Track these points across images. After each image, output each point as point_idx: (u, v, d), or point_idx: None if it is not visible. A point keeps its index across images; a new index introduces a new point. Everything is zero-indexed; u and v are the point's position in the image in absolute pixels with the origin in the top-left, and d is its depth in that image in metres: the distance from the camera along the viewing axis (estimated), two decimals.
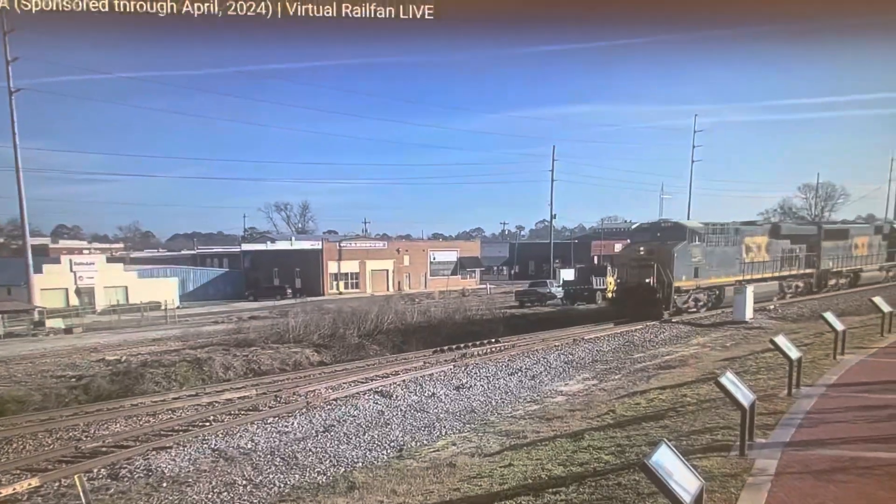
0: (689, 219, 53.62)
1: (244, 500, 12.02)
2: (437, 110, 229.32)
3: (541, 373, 22.68)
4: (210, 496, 12.27)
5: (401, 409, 18.47)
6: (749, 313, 31.09)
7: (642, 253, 34.12)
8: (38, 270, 53.23)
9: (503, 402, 18.83)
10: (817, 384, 12.89)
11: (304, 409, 18.44)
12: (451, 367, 23.72)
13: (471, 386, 20.99)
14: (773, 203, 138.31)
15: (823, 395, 11.92)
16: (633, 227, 39.45)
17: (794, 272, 41.26)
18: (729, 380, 8.72)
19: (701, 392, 13.94)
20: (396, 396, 19.73)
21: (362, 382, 21.69)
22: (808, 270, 42.46)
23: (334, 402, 19.19)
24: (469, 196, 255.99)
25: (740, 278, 36.05)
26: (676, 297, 33.38)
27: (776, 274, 39.34)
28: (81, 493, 11.92)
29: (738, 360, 18.86)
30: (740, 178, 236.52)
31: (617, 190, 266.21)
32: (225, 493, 12.37)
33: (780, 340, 12.24)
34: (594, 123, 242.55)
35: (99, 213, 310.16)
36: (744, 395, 8.67)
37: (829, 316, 16.44)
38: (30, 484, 12.62)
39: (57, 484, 13.12)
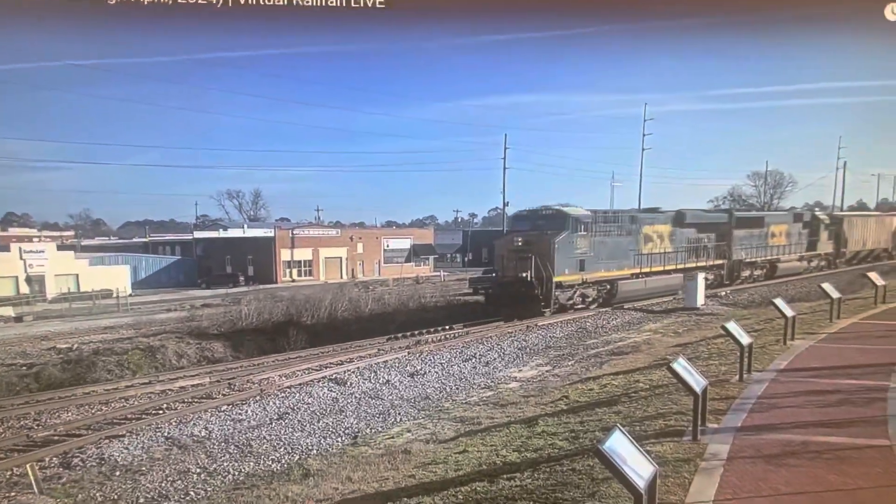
0: (639, 206, 53.22)
1: (198, 489, 11.85)
2: (388, 99, 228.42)
3: (495, 359, 22.71)
4: (164, 484, 12.08)
5: (355, 397, 18.35)
6: (700, 300, 31.37)
7: (519, 244, 30.82)
8: None
9: (457, 389, 18.83)
10: (768, 369, 13.06)
11: (258, 397, 18.24)
12: (406, 354, 23.61)
13: (425, 373, 20.93)
14: (723, 191, 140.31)
15: (774, 380, 12.09)
16: (513, 214, 35.81)
17: (700, 263, 38.27)
18: (681, 365, 8.81)
19: (653, 378, 14.06)
20: (351, 384, 19.58)
21: (316, 370, 21.50)
22: (717, 261, 39.99)
23: (288, 390, 18.99)
24: (422, 184, 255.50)
25: (636, 271, 34.26)
26: (559, 293, 30.69)
27: (679, 266, 36.73)
28: (34, 482, 11.70)
29: (690, 346, 19.08)
30: (690, 166, 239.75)
31: (569, 178, 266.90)
32: (179, 482, 12.19)
33: (732, 326, 12.40)
34: (546, 112, 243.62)
35: (49, 200, 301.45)
36: (696, 381, 8.76)
37: (780, 302, 16.70)
38: None
39: (9, 473, 12.85)
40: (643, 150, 79.03)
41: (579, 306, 32.31)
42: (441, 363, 22.19)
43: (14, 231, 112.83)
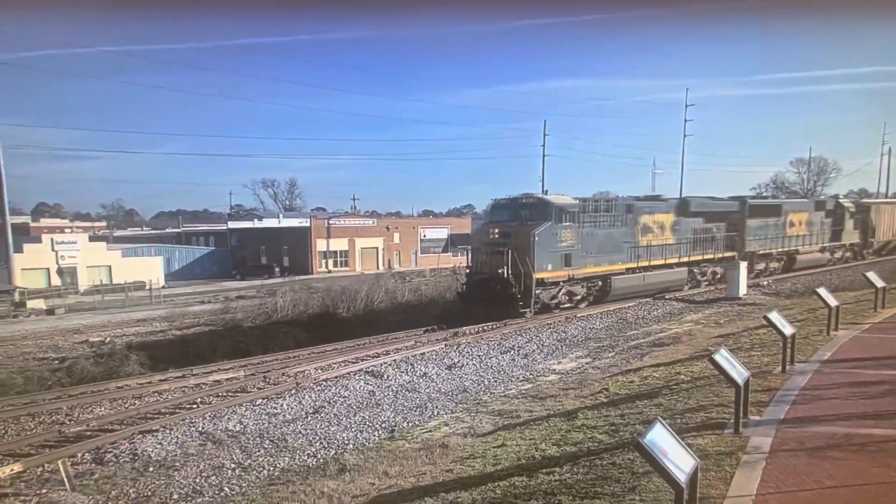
0: (681, 194, 51.75)
1: (233, 484, 11.85)
2: (425, 85, 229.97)
3: (533, 351, 22.56)
4: (198, 480, 12.09)
5: (392, 390, 18.31)
6: (743, 289, 30.88)
7: (496, 236, 28.20)
8: (19, 250, 52.69)
9: (496, 382, 18.72)
10: (811, 360, 12.86)
11: (294, 391, 18.27)
12: (443, 346, 23.53)
13: (463, 365, 20.85)
14: (766, 178, 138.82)
15: (818, 371, 11.89)
16: (492, 203, 31.21)
17: (708, 256, 35.92)
18: (723, 357, 8.69)
19: (695, 369, 13.92)
20: (387, 376, 19.55)
21: (352, 363, 21.52)
22: (727, 253, 36.93)
23: (324, 383, 19.00)
24: (459, 172, 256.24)
25: (633, 265, 31.61)
26: (541, 292, 28.17)
27: (683, 259, 34.23)
28: (65, 479, 11.78)
29: (732, 336, 18.84)
30: (733, 152, 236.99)
31: (609, 164, 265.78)
32: (213, 477, 12.20)
33: (774, 317, 12.20)
34: (585, 98, 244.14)
35: (81, 190, 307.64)
36: (738, 373, 8.65)
37: (823, 291, 16.42)
38: (12, 469, 12.43)
39: (40, 469, 12.89)
40: (685, 136, 78.02)
41: (566, 305, 30.02)
42: (479, 355, 22.09)
43: (45, 222, 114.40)
